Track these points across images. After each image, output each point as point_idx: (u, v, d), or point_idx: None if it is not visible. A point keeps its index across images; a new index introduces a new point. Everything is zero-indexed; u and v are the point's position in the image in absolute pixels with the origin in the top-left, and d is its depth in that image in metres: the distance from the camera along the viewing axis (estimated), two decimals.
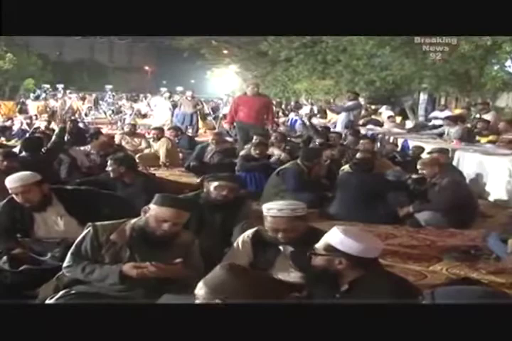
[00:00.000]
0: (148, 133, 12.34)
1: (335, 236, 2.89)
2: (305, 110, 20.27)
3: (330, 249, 2.88)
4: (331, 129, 12.43)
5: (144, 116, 22.67)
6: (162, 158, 10.16)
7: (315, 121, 16.05)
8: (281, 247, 3.77)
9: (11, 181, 4.28)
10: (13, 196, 4.27)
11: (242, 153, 8.75)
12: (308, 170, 7.04)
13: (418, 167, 6.71)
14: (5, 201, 4.36)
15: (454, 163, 8.55)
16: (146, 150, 10.54)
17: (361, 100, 15.59)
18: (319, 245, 2.95)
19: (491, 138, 10.26)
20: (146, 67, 52.65)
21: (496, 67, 13.68)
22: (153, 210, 3.35)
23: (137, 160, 9.17)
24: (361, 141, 9.55)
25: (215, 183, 4.63)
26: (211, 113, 20.77)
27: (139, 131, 13.35)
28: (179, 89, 24.93)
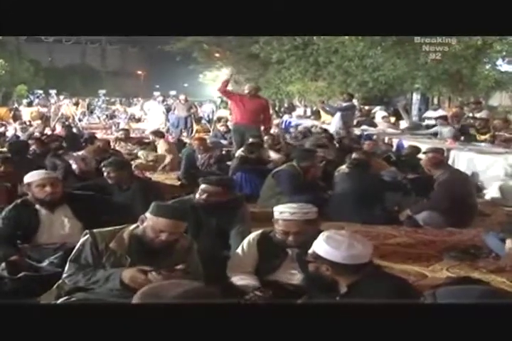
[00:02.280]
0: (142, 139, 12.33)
1: (319, 244, 2.89)
2: (298, 112, 20.27)
3: (316, 256, 2.89)
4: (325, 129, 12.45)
5: (138, 120, 22.64)
6: (167, 160, 10.16)
7: (308, 122, 16.06)
8: (289, 250, 3.76)
9: (40, 174, 4.42)
10: (35, 191, 4.29)
11: (237, 154, 8.70)
12: (304, 171, 6.99)
13: (423, 165, 6.72)
14: (17, 202, 4.39)
15: (450, 162, 8.55)
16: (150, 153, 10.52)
17: (355, 101, 15.59)
18: (310, 251, 2.95)
19: (487, 136, 10.27)
20: (139, 72, 52.60)
21: (487, 67, 13.72)
22: (150, 220, 3.33)
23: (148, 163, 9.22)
24: (366, 142, 9.60)
25: (202, 186, 4.60)
26: (204, 116, 20.78)
27: (133, 135, 13.40)
28: (172, 93, 24.89)
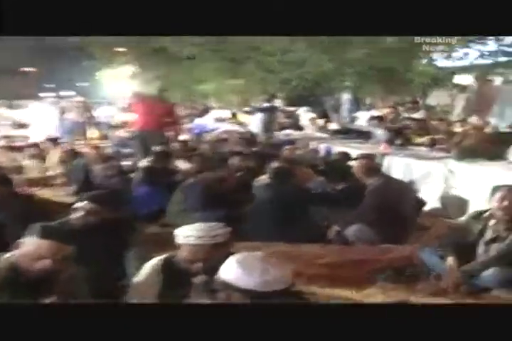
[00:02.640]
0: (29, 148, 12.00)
1: (229, 270, 2.86)
2: (214, 114, 20.25)
3: (225, 283, 2.85)
4: (243, 134, 12.44)
5: (24, 126, 22.05)
6: (58, 171, 9.94)
7: (224, 126, 16.06)
8: (195, 278, 3.64)
9: None
10: None
11: (141, 165, 8.54)
12: (218, 182, 6.92)
13: (354, 173, 6.77)
14: None
15: (384, 169, 8.63)
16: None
17: (277, 101, 15.68)
18: (217, 278, 2.88)
19: (425, 139, 10.47)
20: (28, 69, 51.50)
21: (423, 62, 14.05)
22: (30, 244, 3.20)
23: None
24: (286, 147, 9.60)
25: (77, 204, 4.49)
26: (103, 120, 20.48)
27: (16, 144, 13.03)
28: (66, 93, 24.46)
